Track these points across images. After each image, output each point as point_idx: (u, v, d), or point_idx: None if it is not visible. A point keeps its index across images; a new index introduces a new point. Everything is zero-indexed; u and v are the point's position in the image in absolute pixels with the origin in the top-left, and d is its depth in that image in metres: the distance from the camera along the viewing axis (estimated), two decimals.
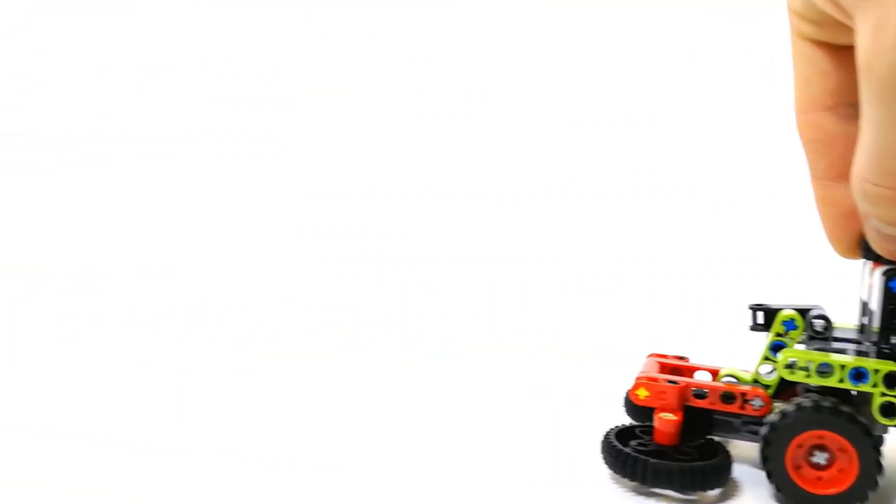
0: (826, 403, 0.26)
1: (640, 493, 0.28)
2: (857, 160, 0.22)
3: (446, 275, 0.53)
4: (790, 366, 0.27)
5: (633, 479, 0.28)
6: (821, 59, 0.24)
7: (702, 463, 0.27)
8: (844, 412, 0.25)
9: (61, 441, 0.32)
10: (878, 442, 0.26)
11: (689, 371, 0.32)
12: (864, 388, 0.25)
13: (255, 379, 0.38)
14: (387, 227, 0.62)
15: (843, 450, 0.26)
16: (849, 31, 0.21)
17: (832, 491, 0.26)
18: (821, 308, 0.29)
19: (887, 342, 0.26)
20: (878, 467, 0.25)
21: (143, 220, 0.64)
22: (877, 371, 0.25)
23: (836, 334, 0.28)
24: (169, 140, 0.82)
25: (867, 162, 0.21)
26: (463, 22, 0.81)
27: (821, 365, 0.26)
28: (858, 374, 0.26)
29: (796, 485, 0.26)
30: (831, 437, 0.26)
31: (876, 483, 0.25)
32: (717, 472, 0.27)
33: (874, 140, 0.21)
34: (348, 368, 0.39)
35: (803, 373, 0.26)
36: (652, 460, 0.27)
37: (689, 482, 0.27)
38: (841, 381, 0.26)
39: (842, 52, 0.23)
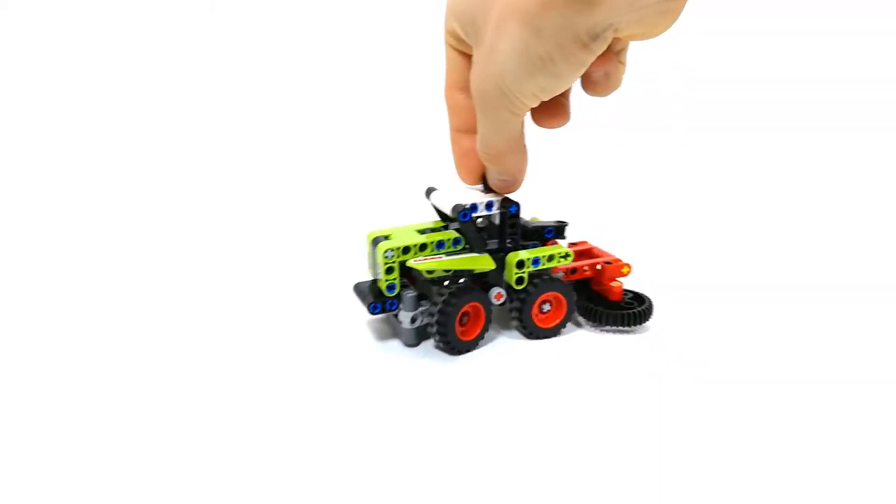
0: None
1: None
2: (477, 136, 0.37)
3: None
4: None
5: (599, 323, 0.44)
6: (458, 60, 0.37)
7: (640, 308, 0.43)
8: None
9: (61, 440, 0.33)
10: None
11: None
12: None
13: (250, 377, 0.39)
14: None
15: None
16: (469, 48, 0.35)
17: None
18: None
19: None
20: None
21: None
22: None
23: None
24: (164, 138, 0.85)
25: (478, 139, 0.37)
26: None
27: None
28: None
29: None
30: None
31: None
32: (647, 312, 0.44)
33: (479, 127, 0.36)
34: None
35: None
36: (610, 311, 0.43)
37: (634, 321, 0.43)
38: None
39: (466, 57, 0.36)
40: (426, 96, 0.58)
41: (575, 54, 0.30)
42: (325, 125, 0.89)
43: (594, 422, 0.34)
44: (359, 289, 0.42)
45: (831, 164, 0.78)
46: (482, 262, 0.40)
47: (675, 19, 0.30)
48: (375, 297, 0.40)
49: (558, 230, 0.44)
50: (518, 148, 0.37)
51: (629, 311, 0.42)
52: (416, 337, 0.41)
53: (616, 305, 0.43)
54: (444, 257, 0.40)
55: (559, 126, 0.37)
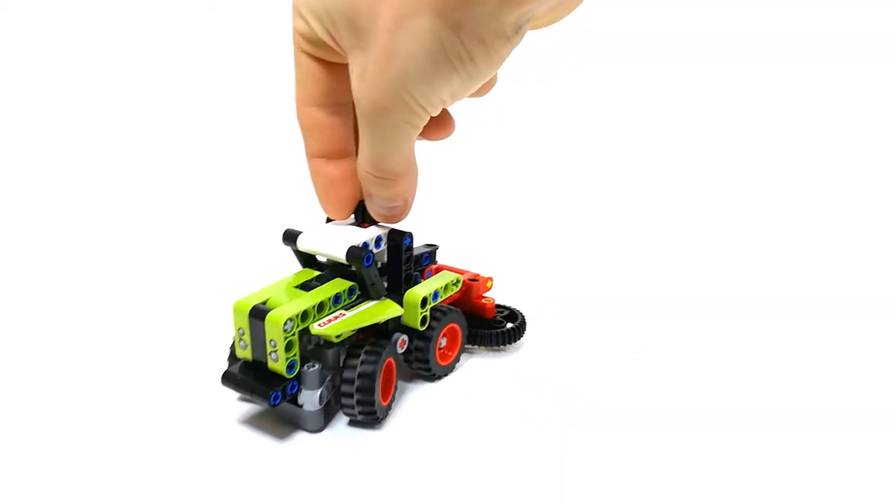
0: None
1: None
2: (359, 157, 0.31)
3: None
4: None
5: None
6: (316, 70, 0.30)
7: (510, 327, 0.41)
8: None
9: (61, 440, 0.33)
10: None
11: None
12: None
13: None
14: None
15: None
16: (339, 54, 0.30)
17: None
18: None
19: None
20: None
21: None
22: None
23: None
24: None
25: (363, 158, 0.30)
26: None
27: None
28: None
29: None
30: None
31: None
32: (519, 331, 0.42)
33: (367, 147, 0.30)
34: None
35: None
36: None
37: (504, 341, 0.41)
38: None
39: (332, 66, 0.30)
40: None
41: (497, 51, 0.27)
42: None
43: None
44: (237, 379, 0.33)
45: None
46: (389, 309, 0.35)
47: (580, 2, 0.28)
48: (273, 385, 0.32)
49: (431, 255, 0.40)
50: (414, 166, 0.32)
51: (503, 330, 0.40)
52: (324, 418, 0.34)
53: (489, 323, 0.41)
54: (346, 314, 0.33)
55: (447, 136, 0.34)
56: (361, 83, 0.28)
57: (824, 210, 0.65)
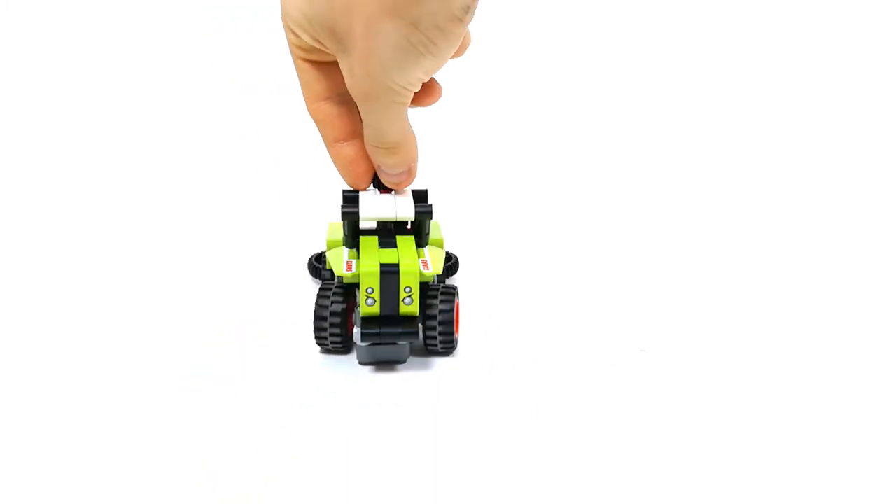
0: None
1: None
2: (365, 135, 0.37)
3: None
4: None
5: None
6: (315, 71, 0.36)
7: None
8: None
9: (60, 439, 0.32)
10: None
11: None
12: None
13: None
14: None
15: None
16: (326, 54, 0.35)
17: None
18: None
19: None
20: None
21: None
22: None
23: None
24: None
25: (367, 135, 0.37)
26: None
27: None
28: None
29: None
30: None
31: None
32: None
33: (367, 127, 0.36)
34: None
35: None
36: None
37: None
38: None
39: (327, 65, 0.36)
40: None
41: (453, 31, 0.32)
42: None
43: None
44: (378, 332, 0.37)
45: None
46: (442, 252, 0.42)
47: None
48: (413, 325, 0.37)
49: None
50: (411, 135, 0.37)
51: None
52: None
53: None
54: (426, 258, 0.39)
55: (437, 101, 0.39)
56: (351, 78, 0.34)
57: (825, 209, 0.64)
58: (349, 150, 0.38)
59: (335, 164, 0.39)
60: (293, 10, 0.34)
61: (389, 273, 0.36)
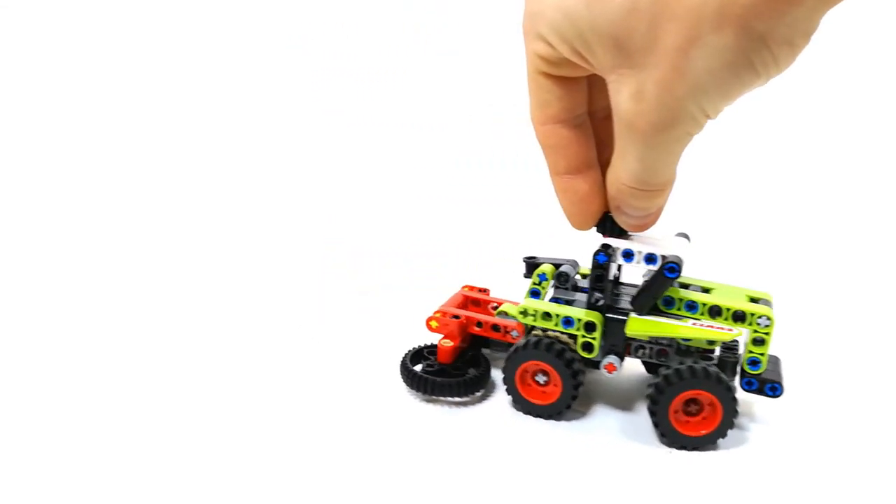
0: (546, 341, 0.34)
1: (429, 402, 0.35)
2: (617, 172, 0.30)
3: None
4: (523, 312, 0.35)
5: (422, 392, 0.35)
6: (556, 88, 0.30)
7: (467, 377, 0.35)
8: (555, 349, 0.34)
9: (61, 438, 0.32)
10: (578, 368, 0.34)
11: (486, 302, 0.40)
12: (571, 331, 0.34)
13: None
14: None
15: (551, 373, 0.34)
16: (579, 69, 0.29)
17: (546, 402, 0.35)
18: (573, 265, 0.37)
19: (597, 299, 0.35)
20: (575, 389, 0.34)
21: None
22: (579, 320, 0.34)
23: (580, 284, 0.37)
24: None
25: (628, 174, 0.30)
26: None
27: (543, 313, 0.35)
28: (567, 321, 0.34)
29: (522, 395, 0.35)
30: (545, 367, 0.34)
31: (572, 399, 0.34)
32: (478, 381, 0.35)
33: (635, 163, 0.29)
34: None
35: (531, 318, 0.35)
36: (433, 378, 0.35)
37: (461, 391, 0.35)
38: (556, 325, 0.34)
39: (570, 82, 0.30)
40: None
41: (800, 48, 0.26)
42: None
43: None
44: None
45: None
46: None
47: None
48: None
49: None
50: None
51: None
52: None
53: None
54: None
55: None
56: (638, 104, 0.27)
57: (826, 210, 0.64)
58: (582, 184, 0.32)
59: (560, 198, 0.33)
60: (554, 14, 0.27)
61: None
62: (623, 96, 0.27)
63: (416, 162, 0.71)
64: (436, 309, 0.38)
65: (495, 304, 0.40)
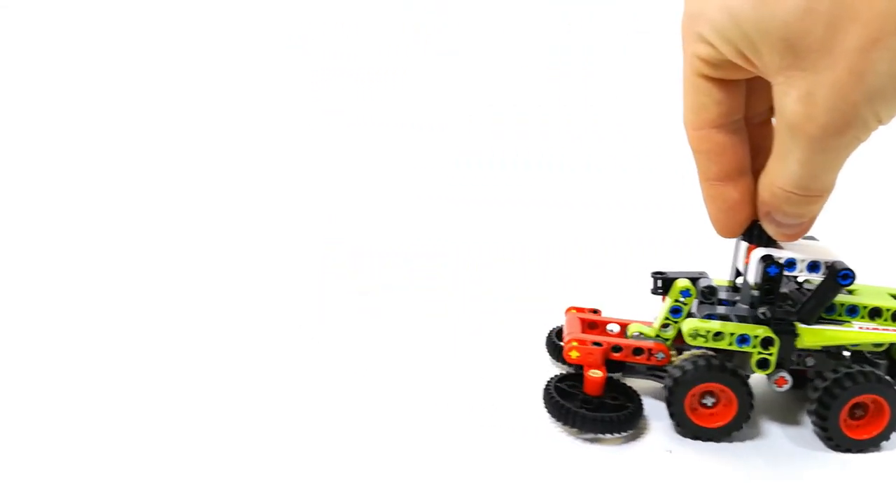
0: (715, 362, 0.33)
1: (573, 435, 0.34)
2: (774, 176, 0.30)
3: None
4: (694, 335, 0.33)
5: (571, 426, 0.33)
6: (715, 91, 0.30)
7: (622, 413, 0.33)
8: (728, 368, 0.33)
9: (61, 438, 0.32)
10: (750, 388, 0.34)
11: (602, 323, 0.38)
12: (747, 349, 0.33)
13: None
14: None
15: (725, 393, 0.34)
16: (741, 71, 0.28)
17: (718, 424, 0.34)
18: (706, 276, 0.36)
19: (762, 312, 0.34)
20: (751, 407, 0.34)
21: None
22: (756, 336, 0.33)
23: (718, 296, 0.36)
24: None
25: (787, 178, 0.29)
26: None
27: (715, 333, 0.33)
28: (742, 339, 0.33)
29: (692, 421, 0.34)
30: (717, 387, 0.33)
31: (748, 417, 0.34)
32: (633, 416, 0.33)
33: (797, 167, 0.29)
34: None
35: (703, 339, 0.33)
36: (585, 412, 0.33)
37: (613, 428, 0.33)
38: (730, 344, 0.33)
39: (730, 85, 0.30)
40: None
41: None
42: None
43: None
44: None
45: None
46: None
47: None
48: None
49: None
50: None
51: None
52: None
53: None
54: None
55: None
56: (808, 106, 0.26)
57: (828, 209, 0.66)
58: (734, 192, 0.31)
59: (709, 205, 0.32)
60: (717, 14, 0.27)
61: None
62: (791, 98, 0.27)
63: (416, 162, 0.69)
64: (568, 338, 0.35)
65: (616, 325, 0.38)
